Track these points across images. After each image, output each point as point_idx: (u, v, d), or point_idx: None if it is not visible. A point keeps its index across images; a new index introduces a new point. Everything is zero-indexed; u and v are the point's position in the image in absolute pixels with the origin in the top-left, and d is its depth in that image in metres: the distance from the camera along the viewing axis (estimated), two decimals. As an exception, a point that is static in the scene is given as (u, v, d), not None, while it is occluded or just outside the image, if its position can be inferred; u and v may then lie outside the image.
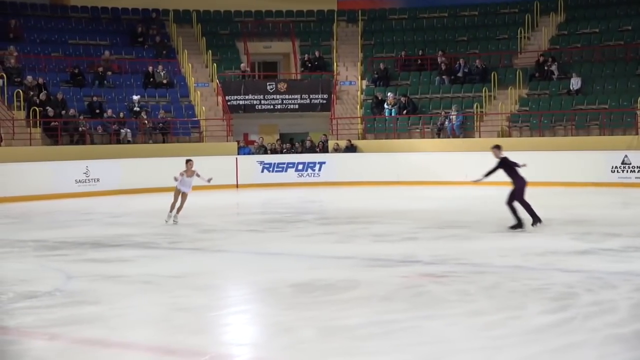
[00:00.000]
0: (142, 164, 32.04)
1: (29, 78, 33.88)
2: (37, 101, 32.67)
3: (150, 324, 9.98)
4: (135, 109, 34.84)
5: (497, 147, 18.81)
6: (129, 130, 33.85)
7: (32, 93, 33.07)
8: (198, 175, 21.09)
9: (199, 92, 37.24)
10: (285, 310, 10.51)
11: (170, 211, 20.85)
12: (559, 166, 31.07)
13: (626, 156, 30.43)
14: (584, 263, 13.57)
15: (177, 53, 39.82)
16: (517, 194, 18.05)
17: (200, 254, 15.76)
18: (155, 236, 18.38)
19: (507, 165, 18.41)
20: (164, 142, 34.57)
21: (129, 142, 33.56)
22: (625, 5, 39.28)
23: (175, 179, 21.04)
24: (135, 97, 35.24)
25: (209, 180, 21.20)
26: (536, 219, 18.07)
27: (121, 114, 34.57)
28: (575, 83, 34.91)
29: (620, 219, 20.05)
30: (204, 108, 36.46)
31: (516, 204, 18.03)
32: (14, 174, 29.03)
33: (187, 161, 21.51)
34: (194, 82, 38.00)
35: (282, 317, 10.15)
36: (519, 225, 17.81)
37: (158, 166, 31.84)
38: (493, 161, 18.37)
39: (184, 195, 21.00)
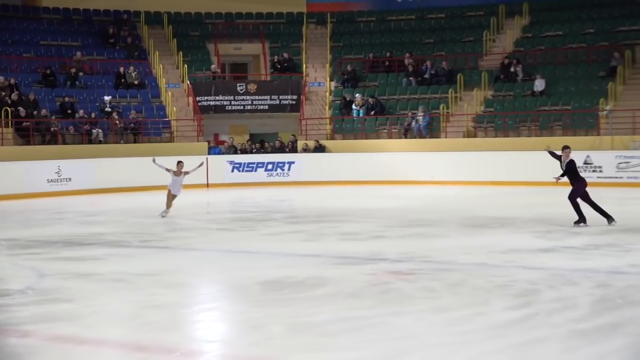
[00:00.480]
0: (114, 164, 31.94)
1: (1, 78, 33.62)
2: (9, 101, 32.48)
3: (123, 321, 9.97)
4: (106, 109, 34.72)
5: (568, 148, 19.44)
6: (100, 130, 33.72)
7: (3, 93, 32.85)
8: (187, 173, 22.23)
9: (169, 93, 37.18)
10: (254, 307, 10.51)
11: (166, 209, 21.93)
12: (523, 166, 31.21)
13: (588, 156, 30.57)
14: (546, 260, 13.62)
15: (148, 54, 39.69)
16: (577, 192, 18.64)
17: (171, 253, 15.72)
18: (126, 235, 18.31)
19: (573, 166, 19.01)
20: (135, 142, 34.43)
21: (100, 142, 33.43)
22: (587, 9, 39.57)
23: (154, 161, 22.78)
24: (107, 98, 35.11)
25: (200, 165, 23.20)
26: (609, 218, 18.15)
27: (93, 115, 34.42)
28: (539, 85, 35.09)
29: (582, 218, 20.17)
30: (174, 108, 36.39)
31: (580, 201, 18.51)
32: (-14, 173, 28.86)
33: (178, 162, 22.59)
34: (165, 83, 37.93)
35: (251, 314, 10.16)
36: (581, 220, 18.27)
37: (129, 166, 31.93)
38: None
39: (174, 197, 22.14)
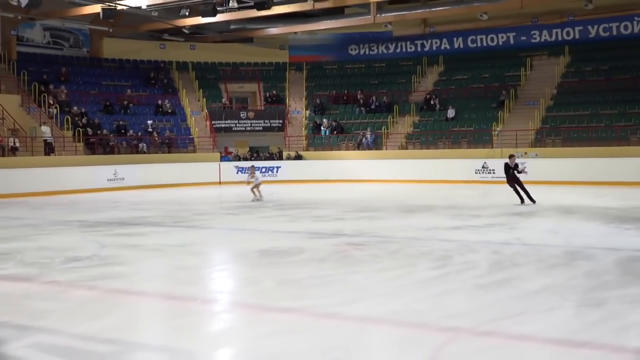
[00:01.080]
0: (154, 168, 31.81)
1: (75, 108, 33.39)
2: (80, 124, 32.26)
3: (159, 279, 9.89)
4: (149, 129, 34.51)
5: (512, 156, 20.63)
6: (145, 144, 33.54)
7: (77, 119, 32.61)
8: (254, 174, 23.45)
9: (193, 119, 36.97)
10: (252, 269, 10.46)
11: (255, 195, 22.92)
12: (440, 169, 31.36)
13: (485, 162, 30.76)
14: (456, 235, 13.63)
15: (178, 91, 39.43)
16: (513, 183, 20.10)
17: (194, 230, 15.62)
18: (163, 217, 18.19)
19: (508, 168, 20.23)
20: (169, 152, 34.29)
21: (144, 152, 33.24)
22: (484, 60, 39.66)
23: (247, 180, 24.26)
24: (149, 122, 34.91)
25: (249, 184, 23.78)
26: (523, 200, 19.75)
27: (139, 133, 34.21)
28: (451, 113, 35.19)
29: (481, 205, 20.21)
30: (197, 129, 36.22)
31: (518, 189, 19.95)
32: (64, 175, 28.65)
33: (251, 167, 24.54)
34: (190, 111, 37.70)
35: (250, 274, 10.11)
36: (521, 200, 19.73)
37: (165, 169, 31.95)
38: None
39: (256, 186, 23.12)
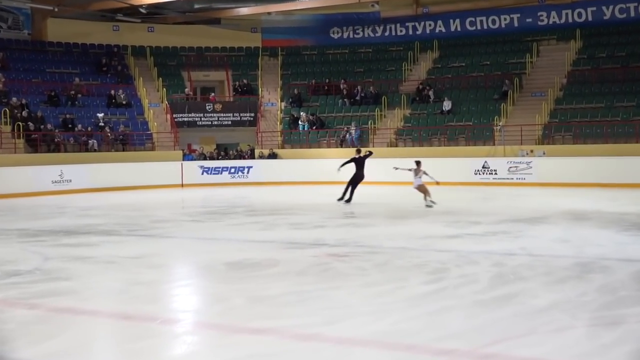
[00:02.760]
0: (106, 168, 31.67)
1: (14, 99, 33.17)
2: (20, 117, 32.04)
3: (113, 295, 9.84)
4: (100, 124, 34.32)
5: (418, 163, 21.81)
6: (95, 141, 33.38)
7: (16, 111, 32.39)
8: (426, 174, 21.64)
9: (151, 111, 36.86)
10: (220, 284, 10.44)
11: (427, 198, 21.52)
12: (435, 169, 31.24)
13: (486, 162, 30.91)
14: (453, 245, 13.70)
15: (134, 80, 39.31)
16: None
17: (153, 239, 15.57)
18: (116, 225, 18.10)
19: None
20: (123, 150, 34.12)
21: (95, 150, 33.09)
22: (484, 45, 39.91)
23: (396, 168, 22.51)
24: (100, 115, 34.72)
25: (437, 183, 22.17)
26: (343, 199, 22.71)
27: (89, 128, 34.03)
28: (447, 105, 35.33)
29: (481, 210, 20.32)
30: (155, 123, 36.09)
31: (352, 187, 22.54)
32: (1, 176, 28.41)
33: (417, 162, 22.11)
34: (148, 103, 37.58)
35: (217, 289, 10.09)
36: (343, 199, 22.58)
37: (119, 170, 31.82)
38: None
39: (420, 187, 21.74)
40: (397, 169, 22.36)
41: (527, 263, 11.48)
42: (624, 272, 10.70)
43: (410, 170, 21.94)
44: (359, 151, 24.21)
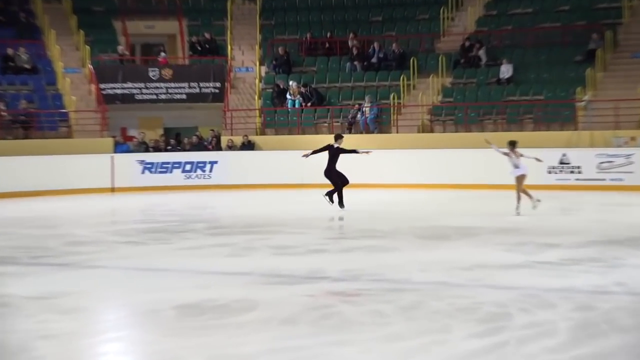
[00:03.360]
0: (1, 164, 31.59)
1: None
2: None
3: (8, 355, 9.75)
4: (-8, 98, 34.43)
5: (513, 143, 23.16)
6: (-17, 123, 33.45)
7: None
8: (522, 155, 22.73)
9: (68, 79, 36.88)
10: (168, 337, 10.38)
11: (530, 198, 22.72)
12: (489, 166, 31.35)
13: (564, 155, 30.91)
14: (517, 278, 13.66)
15: (42, 33, 39.34)
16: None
17: (69, 271, 15.52)
18: (14, 250, 18.03)
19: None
20: (26, 137, 34.17)
21: (-18, 137, 33.15)
22: (562, -18, 39.97)
23: (488, 141, 24.17)
24: (-8, 85, 34.85)
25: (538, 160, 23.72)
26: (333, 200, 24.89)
27: (-25, 105, 34.09)
28: (505, 71, 35.39)
29: (558, 227, 20.33)
30: (74, 98, 36.10)
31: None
32: None
33: (511, 143, 23.33)
34: (63, 68, 37.59)
35: (165, 345, 10.02)
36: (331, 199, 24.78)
37: (20, 166, 31.72)
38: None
39: (519, 178, 22.87)
40: (489, 143, 23.83)
41: (628, 306, 11.47)
42: None
43: (506, 154, 23.08)
44: (339, 138, 25.84)
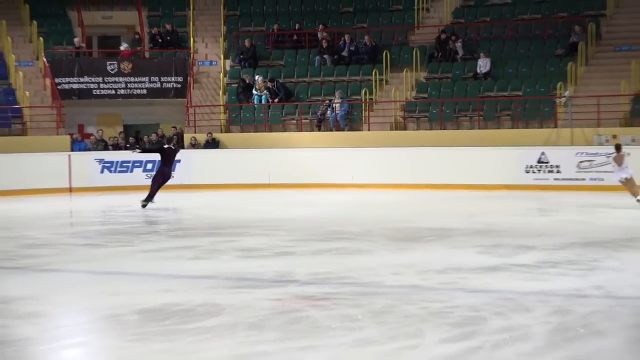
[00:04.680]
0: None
1: None
2: None
3: (-37, 363, 9.87)
4: (-62, 93, 34.33)
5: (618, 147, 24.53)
6: None
7: None
8: (629, 154, 24.01)
9: (20, 73, 36.74)
10: (130, 342, 10.45)
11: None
12: (464, 165, 31.59)
13: (543, 153, 31.07)
14: (492, 282, 13.79)
15: (-7, 24, 39.26)
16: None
17: (25, 275, 15.52)
18: (-34, 253, 18.10)
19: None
20: (-24, 135, 34.09)
21: None
22: (542, -28, 40.19)
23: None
24: (-61, 79, 34.76)
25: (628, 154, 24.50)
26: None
27: None
28: (483, 65, 35.53)
29: (536, 229, 20.43)
30: (27, 93, 36.01)
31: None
32: None
33: (617, 147, 24.68)
34: (15, 61, 37.45)
35: (126, 350, 10.10)
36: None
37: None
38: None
39: (628, 182, 24.39)
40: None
41: (606, 310, 11.61)
42: None
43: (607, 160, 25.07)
44: (172, 141, 28.22)
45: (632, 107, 32.34)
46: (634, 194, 24.33)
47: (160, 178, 26.84)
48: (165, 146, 27.38)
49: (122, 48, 38.77)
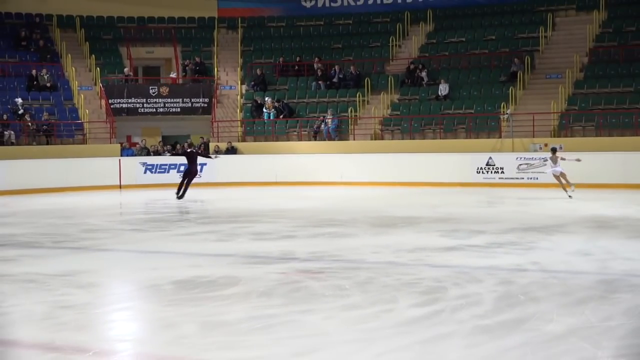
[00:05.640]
0: (26, 165, 31.43)
1: None
2: None
3: (34, 322, 9.73)
4: (19, 111, 34.12)
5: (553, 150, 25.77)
6: (12, 132, 33.17)
7: None
8: (563, 159, 25.13)
9: (82, 95, 36.68)
10: (167, 307, 10.39)
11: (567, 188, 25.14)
12: (429, 167, 31.60)
13: (490, 158, 31.06)
14: (451, 259, 13.73)
15: (60, 57, 39.13)
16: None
17: (84, 253, 15.48)
18: (39, 236, 17.97)
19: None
20: (47, 143, 34.00)
21: (12, 143, 32.88)
22: (489, 16, 40.15)
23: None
24: (19, 100, 34.55)
25: (578, 160, 25.54)
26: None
27: (5, 116, 33.81)
28: (443, 89, 35.47)
29: (485, 217, 20.41)
30: (87, 111, 35.94)
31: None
32: None
33: (553, 150, 25.80)
34: (78, 86, 37.42)
35: (164, 313, 10.04)
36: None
37: (42, 167, 31.61)
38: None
39: (561, 175, 25.29)
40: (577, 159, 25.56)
41: (541, 281, 11.55)
42: (656, 291, 10.81)
43: (543, 163, 26.11)
44: (192, 146, 29.30)
45: (560, 122, 32.30)
46: (565, 188, 24.81)
47: (187, 174, 26.94)
48: (189, 150, 28.27)
49: (172, 75, 38.79)
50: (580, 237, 16.22)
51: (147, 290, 11.68)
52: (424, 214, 21.33)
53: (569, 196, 24.44)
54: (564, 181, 25.07)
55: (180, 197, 26.55)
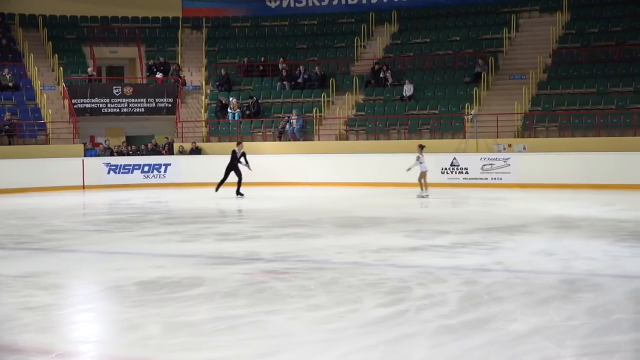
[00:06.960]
0: (-12, 166, 31.20)
1: None
2: None
3: (-3, 324, 9.69)
4: (-20, 111, 33.88)
5: (239, 144, 28.42)
6: (-26, 132, 32.91)
7: None
8: (422, 155, 26.14)
9: (45, 95, 36.46)
10: (130, 308, 10.36)
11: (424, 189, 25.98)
12: (392, 168, 31.56)
13: (455, 158, 31.18)
14: (416, 259, 13.79)
15: (22, 56, 38.84)
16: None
17: (47, 254, 15.39)
18: (1, 237, 17.83)
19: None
20: (9, 144, 33.77)
21: (-26, 144, 32.64)
22: (453, 17, 40.33)
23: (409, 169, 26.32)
24: (-20, 100, 34.31)
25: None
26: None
27: (-34, 117, 33.57)
28: (407, 89, 35.56)
29: (449, 217, 20.49)
30: (50, 111, 35.71)
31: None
32: None
33: (419, 147, 26.62)
34: (40, 86, 37.18)
35: (127, 315, 10.00)
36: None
37: (4, 168, 31.42)
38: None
39: (426, 174, 26.18)
40: (409, 169, 26.08)
41: (504, 281, 11.60)
42: (618, 291, 10.89)
43: (417, 160, 25.90)
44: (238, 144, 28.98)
45: (523, 122, 32.47)
46: (423, 187, 26.03)
47: (227, 170, 28.08)
48: (234, 149, 28.60)
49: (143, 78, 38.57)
50: (543, 237, 16.32)
51: (111, 291, 11.62)
52: (388, 214, 21.38)
53: (423, 196, 25.55)
54: (423, 181, 25.93)
55: (217, 190, 28.07)
